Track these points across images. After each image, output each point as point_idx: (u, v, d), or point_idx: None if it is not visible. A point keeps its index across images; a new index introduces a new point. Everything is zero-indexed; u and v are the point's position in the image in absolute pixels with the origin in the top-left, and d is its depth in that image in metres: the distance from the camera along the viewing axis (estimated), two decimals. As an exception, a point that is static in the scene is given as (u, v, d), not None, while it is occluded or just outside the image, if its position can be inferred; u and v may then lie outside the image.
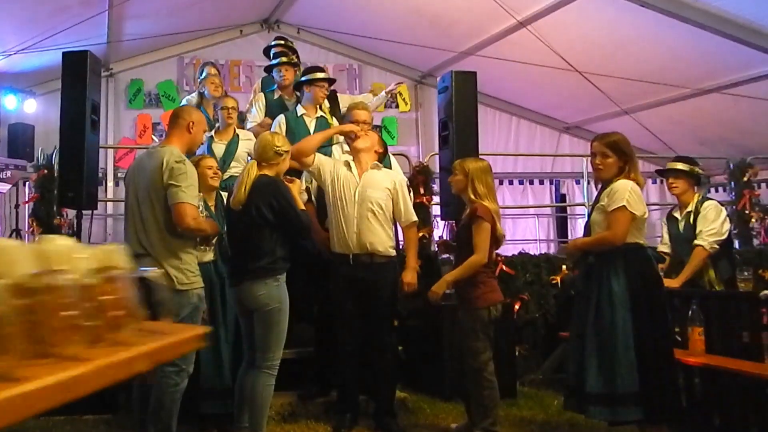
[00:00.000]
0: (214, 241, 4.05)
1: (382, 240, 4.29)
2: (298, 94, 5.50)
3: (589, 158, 3.95)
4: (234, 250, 3.92)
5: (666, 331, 3.75)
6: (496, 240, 4.12)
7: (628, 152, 3.73)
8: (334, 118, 5.32)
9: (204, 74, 6.02)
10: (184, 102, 6.20)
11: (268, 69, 5.89)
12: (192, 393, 4.17)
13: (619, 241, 3.65)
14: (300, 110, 5.14)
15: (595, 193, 3.97)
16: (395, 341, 4.53)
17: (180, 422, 3.90)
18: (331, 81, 5.35)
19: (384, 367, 4.39)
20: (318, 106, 5.19)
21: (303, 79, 5.21)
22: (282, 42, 6.16)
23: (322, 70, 5.39)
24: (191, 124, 3.82)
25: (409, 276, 4.37)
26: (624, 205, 3.61)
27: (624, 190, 3.63)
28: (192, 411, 4.17)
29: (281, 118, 5.11)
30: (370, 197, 4.29)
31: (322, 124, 5.12)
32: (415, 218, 4.50)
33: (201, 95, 5.84)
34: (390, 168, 4.73)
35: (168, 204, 3.61)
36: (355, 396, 4.43)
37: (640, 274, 3.69)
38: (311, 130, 5.02)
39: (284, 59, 5.65)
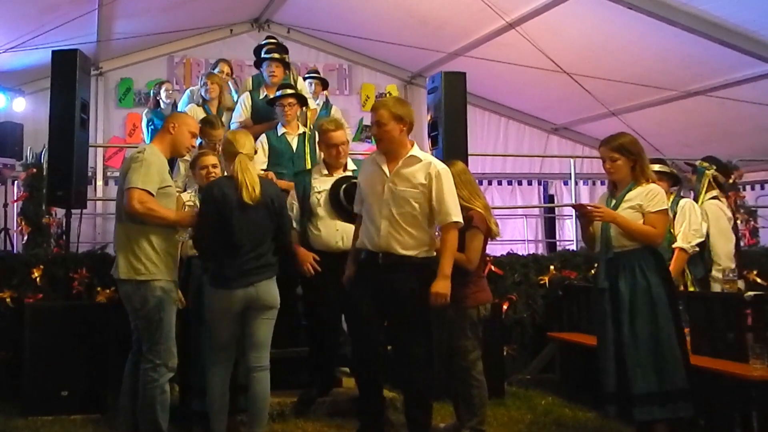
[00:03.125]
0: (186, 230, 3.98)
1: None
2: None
3: (575, 160, 4.00)
4: (246, 248, 3.79)
5: (683, 329, 3.85)
6: (494, 236, 4.17)
7: (635, 151, 3.79)
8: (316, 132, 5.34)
9: (216, 70, 6.19)
10: (185, 95, 6.30)
11: (258, 64, 5.92)
12: (182, 390, 4.19)
13: (660, 241, 3.75)
14: (281, 129, 5.17)
15: (588, 193, 4.02)
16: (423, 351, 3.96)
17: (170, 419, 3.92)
18: (301, 97, 5.30)
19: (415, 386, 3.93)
20: (304, 121, 5.25)
21: (271, 97, 5.23)
22: (273, 41, 6.17)
23: (292, 86, 5.36)
24: (173, 125, 3.92)
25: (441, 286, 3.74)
26: (666, 209, 3.76)
27: (663, 194, 3.77)
28: (182, 408, 4.18)
29: (263, 138, 5.14)
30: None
31: (303, 140, 5.18)
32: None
33: (202, 98, 5.92)
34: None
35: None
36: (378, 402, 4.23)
37: (668, 273, 3.86)
38: (294, 147, 5.09)
39: (276, 55, 5.66)
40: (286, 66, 5.80)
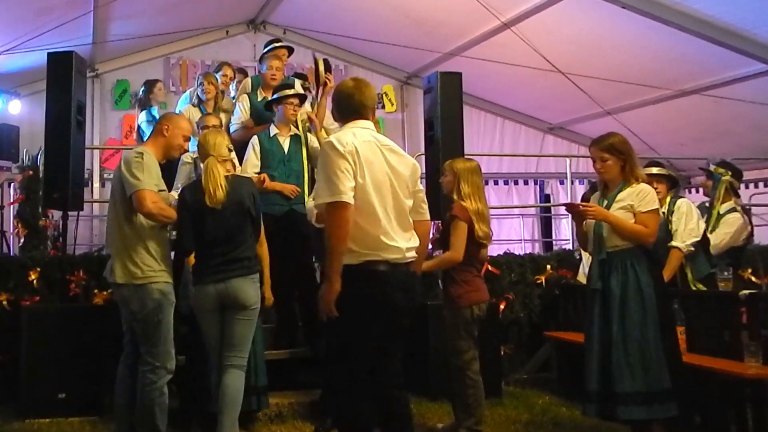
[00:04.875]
0: None
1: None
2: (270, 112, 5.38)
3: (571, 159, 4.01)
4: (218, 247, 3.78)
5: (674, 328, 3.88)
6: (479, 239, 4.14)
7: (625, 151, 3.82)
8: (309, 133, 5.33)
9: (220, 73, 6.22)
10: (185, 96, 6.30)
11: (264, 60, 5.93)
12: (203, 393, 4.15)
13: (651, 240, 3.76)
14: (273, 130, 5.15)
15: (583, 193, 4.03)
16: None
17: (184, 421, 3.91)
18: (302, 97, 5.31)
19: None
20: (294, 123, 5.23)
21: (272, 97, 5.22)
22: (280, 45, 6.14)
23: (292, 86, 5.36)
24: (166, 127, 3.91)
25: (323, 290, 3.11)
26: (657, 208, 3.78)
27: (653, 194, 3.80)
28: (202, 411, 4.18)
29: (254, 140, 5.11)
30: None
31: (295, 141, 5.16)
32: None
33: (198, 98, 5.92)
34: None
35: (125, 196, 3.69)
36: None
37: (659, 272, 3.89)
38: (285, 149, 5.08)
39: (277, 62, 5.67)
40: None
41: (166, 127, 3.92)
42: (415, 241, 3.21)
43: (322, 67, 5.70)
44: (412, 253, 3.17)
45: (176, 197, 4.34)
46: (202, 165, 3.93)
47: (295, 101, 5.17)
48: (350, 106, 3.24)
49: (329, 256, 3.03)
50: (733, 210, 5.10)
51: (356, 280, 3.03)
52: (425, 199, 3.34)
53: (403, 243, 3.11)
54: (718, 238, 4.96)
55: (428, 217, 3.37)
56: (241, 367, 3.81)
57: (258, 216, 3.90)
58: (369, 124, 3.24)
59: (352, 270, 3.03)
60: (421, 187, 3.29)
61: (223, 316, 3.80)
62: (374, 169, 3.09)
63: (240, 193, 3.80)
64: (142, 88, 7.05)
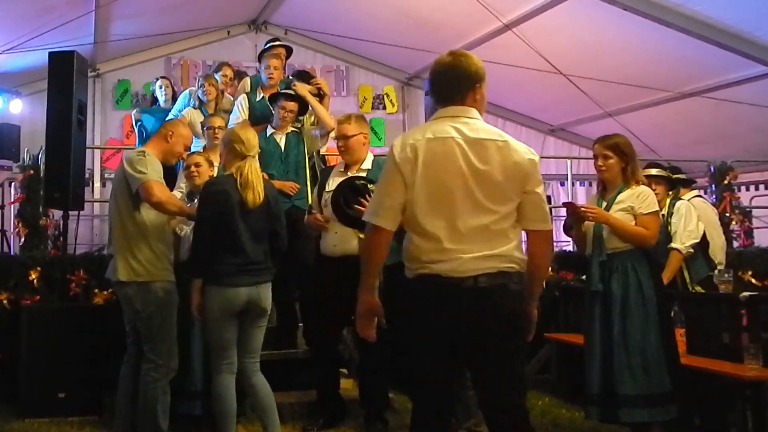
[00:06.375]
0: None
1: None
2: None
3: (572, 161, 4.00)
4: (248, 249, 3.66)
5: (673, 330, 3.89)
6: None
7: (629, 153, 3.84)
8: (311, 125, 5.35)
9: (219, 73, 6.21)
10: (183, 96, 6.29)
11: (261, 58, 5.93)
12: (184, 394, 4.16)
13: (652, 242, 3.78)
14: (269, 130, 5.17)
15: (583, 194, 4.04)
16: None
17: (174, 424, 3.92)
18: (302, 105, 5.28)
19: None
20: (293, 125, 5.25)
21: (273, 95, 5.22)
22: (279, 44, 6.13)
23: (293, 92, 5.33)
24: (171, 134, 3.94)
25: None
26: (657, 210, 3.80)
27: (653, 196, 3.81)
28: (183, 413, 4.17)
29: None
30: None
31: (291, 138, 5.17)
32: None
33: (199, 100, 5.92)
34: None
35: (128, 194, 3.71)
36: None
37: (660, 274, 3.93)
38: (282, 147, 5.09)
39: (276, 61, 5.65)
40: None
41: (170, 133, 3.94)
42: (503, 252, 2.56)
43: (305, 89, 5.42)
44: (488, 264, 2.52)
45: (177, 197, 4.35)
46: (226, 160, 3.81)
47: (290, 105, 5.13)
48: (436, 91, 2.76)
49: (365, 269, 2.64)
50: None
51: (407, 296, 2.63)
52: (541, 204, 2.66)
53: (468, 254, 2.51)
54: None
55: (546, 226, 2.67)
56: (259, 370, 3.80)
57: (279, 220, 3.87)
58: (459, 110, 2.68)
59: (407, 285, 2.63)
60: (538, 189, 2.68)
61: (240, 320, 3.71)
62: (438, 172, 2.55)
63: (267, 196, 3.75)
64: (151, 88, 7.09)
